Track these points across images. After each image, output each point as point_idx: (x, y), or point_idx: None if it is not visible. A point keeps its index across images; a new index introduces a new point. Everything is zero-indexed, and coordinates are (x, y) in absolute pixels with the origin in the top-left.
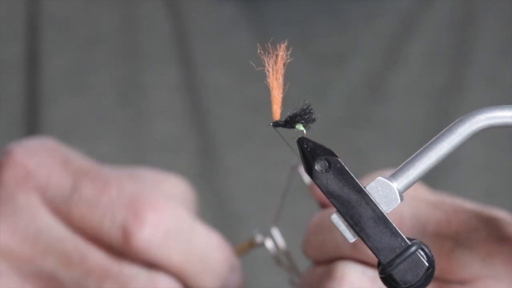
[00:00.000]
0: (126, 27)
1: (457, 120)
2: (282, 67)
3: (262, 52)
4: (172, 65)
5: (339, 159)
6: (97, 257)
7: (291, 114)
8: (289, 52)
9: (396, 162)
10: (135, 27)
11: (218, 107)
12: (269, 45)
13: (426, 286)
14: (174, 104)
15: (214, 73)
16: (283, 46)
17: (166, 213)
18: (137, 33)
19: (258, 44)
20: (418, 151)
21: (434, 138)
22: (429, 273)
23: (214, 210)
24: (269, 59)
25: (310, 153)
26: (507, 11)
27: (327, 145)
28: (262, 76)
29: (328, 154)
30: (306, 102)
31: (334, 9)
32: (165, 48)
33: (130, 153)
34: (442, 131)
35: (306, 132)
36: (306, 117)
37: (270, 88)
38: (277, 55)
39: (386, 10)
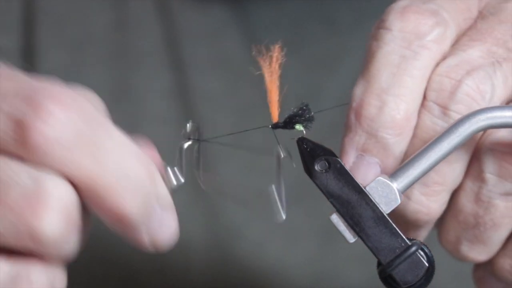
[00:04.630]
0: (117, 31)
1: (457, 120)
2: (277, 68)
3: (257, 53)
4: (162, 69)
5: (339, 159)
6: None
7: (289, 115)
8: (283, 53)
9: None
10: (125, 31)
11: (209, 112)
12: (263, 47)
13: (426, 286)
14: (165, 108)
15: (205, 77)
16: (277, 47)
17: (73, 107)
18: (127, 37)
19: (253, 46)
20: (418, 151)
21: (434, 138)
22: (429, 274)
23: (207, 218)
24: (265, 61)
25: (309, 153)
26: None
27: None
28: (253, 81)
29: (328, 154)
30: (304, 102)
31: (325, 11)
32: (156, 52)
33: None
34: (442, 131)
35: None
36: (305, 117)
37: (268, 91)
38: (271, 57)
39: (377, 13)
